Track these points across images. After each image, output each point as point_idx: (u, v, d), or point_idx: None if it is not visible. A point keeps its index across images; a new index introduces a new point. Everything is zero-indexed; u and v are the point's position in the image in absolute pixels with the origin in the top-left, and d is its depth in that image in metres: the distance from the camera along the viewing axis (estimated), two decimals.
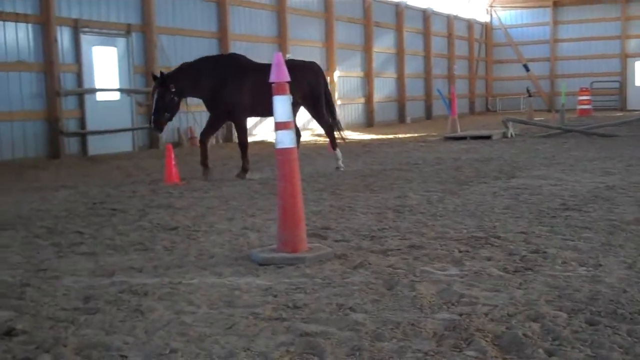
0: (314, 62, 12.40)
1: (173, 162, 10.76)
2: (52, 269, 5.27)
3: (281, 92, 5.33)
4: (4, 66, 14.42)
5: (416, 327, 3.59)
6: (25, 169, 13.44)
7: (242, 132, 11.33)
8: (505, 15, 41.68)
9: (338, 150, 11.89)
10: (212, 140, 19.59)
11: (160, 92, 10.44)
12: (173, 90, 10.47)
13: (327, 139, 12.17)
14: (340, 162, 11.73)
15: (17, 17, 14.64)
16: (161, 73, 10.72)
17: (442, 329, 3.58)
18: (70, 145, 15.85)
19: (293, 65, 11.47)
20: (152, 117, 10.64)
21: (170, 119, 10.75)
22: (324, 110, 11.80)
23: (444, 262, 5.04)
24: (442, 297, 4.12)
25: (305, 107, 11.80)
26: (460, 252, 5.32)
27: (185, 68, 10.95)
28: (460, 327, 3.57)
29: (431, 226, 6.44)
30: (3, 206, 8.74)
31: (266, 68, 11.21)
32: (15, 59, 14.66)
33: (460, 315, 3.78)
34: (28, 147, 14.73)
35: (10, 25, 14.56)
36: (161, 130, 10.81)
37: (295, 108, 11.01)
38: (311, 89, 11.57)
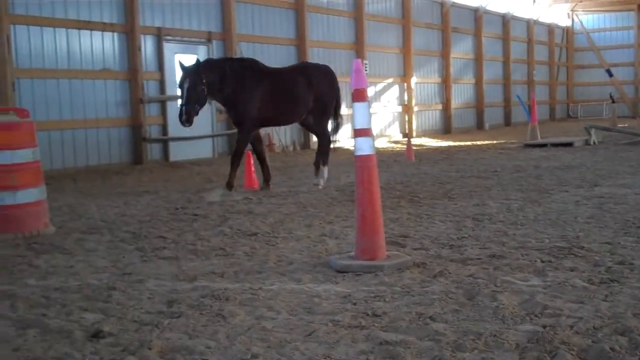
0: (328, 66, 11.72)
1: (252, 169, 10.89)
2: (136, 272, 5.41)
3: (360, 99, 5.33)
4: (91, 74, 14.88)
5: (498, 339, 3.54)
6: (110, 174, 13.83)
7: (243, 142, 10.36)
8: (588, 19, 40.72)
9: (326, 168, 10.91)
10: (287, 147, 19.79)
11: (193, 81, 9.57)
12: (204, 81, 9.67)
13: (322, 151, 10.97)
14: (322, 181, 10.68)
15: (103, 27, 15.09)
16: (197, 60, 9.86)
17: (525, 341, 3.51)
18: (153, 151, 16.23)
19: (305, 67, 11.29)
20: (183, 107, 9.59)
21: (197, 114, 9.77)
22: (328, 120, 11.15)
23: (526, 272, 4.95)
24: (524, 308, 4.05)
25: (310, 112, 10.90)
26: (542, 262, 5.22)
27: (213, 63, 10.29)
28: (544, 340, 3.50)
29: (512, 235, 6.33)
30: (89, 211, 9.01)
31: (279, 73, 10.70)
32: (101, 67, 15.11)
33: (544, 327, 3.70)
34: (113, 153, 15.15)
35: (97, 35, 15.02)
36: (191, 122, 9.64)
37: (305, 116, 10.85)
38: (322, 94, 10.87)
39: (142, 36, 15.78)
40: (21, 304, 4.60)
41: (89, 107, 14.66)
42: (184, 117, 9.56)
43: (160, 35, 16.32)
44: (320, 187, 10.49)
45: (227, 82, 9.96)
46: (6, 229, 7.10)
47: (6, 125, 7.32)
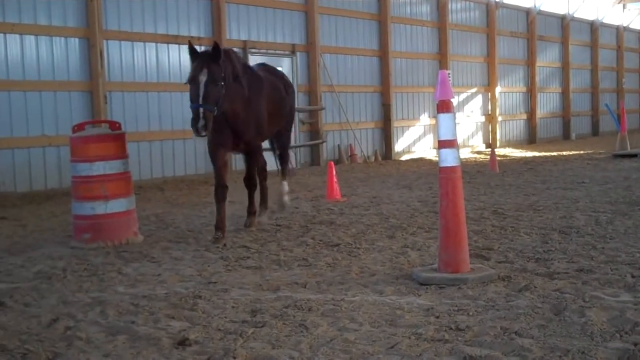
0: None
1: (334, 179, 10.94)
2: (221, 281, 5.52)
3: (445, 110, 5.30)
4: (179, 87, 15.23)
5: (587, 356, 3.46)
6: (196, 184, 14.13)
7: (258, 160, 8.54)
8: None
9: (286, 183, 9.25)
10: (368, 157, 19.78)
11: (213, 73, 7.06)
12: (224, 75, 7.21)
13: (282, 167, 9.39)
14: (285, 197, 9.07)
15: (191, 40, 15.43)
16: (215, 44, 7.30)
17: (614, 358, 3.42)
18: (237, 163, 16.47)
19: (278, 72, 9.25)
20: (199, 109, 6.94)
21: (212, 118, 7.04)
22: (291, 129, 9.58)
23: (616, 287, 4.82)
24: (614, 325, 3.94)
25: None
26: (633, 277, 5.06)
27: (232, 55, 7.68)
28: (634, 358, 3.40)
29: (600, 249, 6.17)
30: (176, 220, 9.23)
31: (268, 78, 8.37)
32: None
33: (635, 345, 3.59)
34: (199, 163, 15.46)
35: (186, 48, 15.35)
36: (209, 129, 7.00)
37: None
38: (293, 102, 9.18)
39: None
40: (111, 311, 4.75)
41: (176, 119, 15.02)
42: (200, 123, 6.90)
43: (245, 48, 16.59)
44: (287, 206, 9.14)
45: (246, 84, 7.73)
46: (97, 238, 7.35)
47: (99, 137, 7.59)
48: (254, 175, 8.44)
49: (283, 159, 9.40)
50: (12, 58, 12.40)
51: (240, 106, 7.59)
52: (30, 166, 12.62)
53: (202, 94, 6.96)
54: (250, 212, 8.45)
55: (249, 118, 7.70)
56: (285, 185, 9.15)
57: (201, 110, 6.89)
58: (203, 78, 6.99)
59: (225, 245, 7.13)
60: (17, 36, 12.45)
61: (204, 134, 6.95)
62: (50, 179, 12.83)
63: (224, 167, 7.80)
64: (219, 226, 7.50)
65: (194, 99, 6.96)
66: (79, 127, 7.79)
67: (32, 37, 12.65)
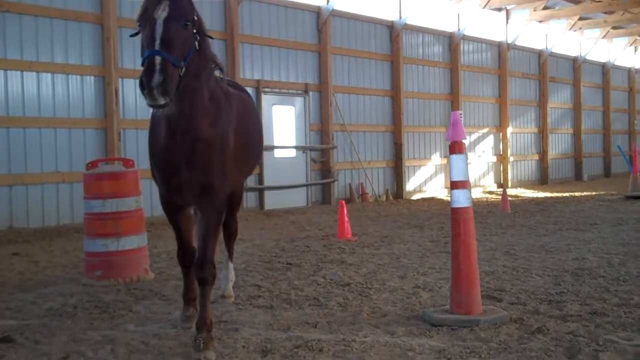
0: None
1: (346, 218, 10.95)
2: (232, 321, 5.50)
3: (458, 151, 5.32)
4: None
5: None
6: None
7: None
8: None
9: (232, 267, 6.73)
10: (379, 196, 19.78)
11: (181, 7, 4.58)
12: (196, 22, 4.76)
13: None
14: (230, 286, 6.53)
15: None
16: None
17: None
18: (249, 200, 16.53)
19: (241, 88, 6.30)
20: (155, 58, 4.31)
21: (179, 85, 4.48)
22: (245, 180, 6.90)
23: (630, 330, 4.77)
24: None
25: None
26: None
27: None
28: None
29: (614, 291, 6.12)
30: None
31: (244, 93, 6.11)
32: None
33: None
34: None
35: None
36: (170, 94, 4.32)
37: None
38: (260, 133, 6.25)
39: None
40: (121, 349, 4.74)
41: None
42: (157, 79, 4.25)
43: (259, 87, 16.73)
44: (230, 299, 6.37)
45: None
46: (109, 275, 7.36)
47: (113, 175, 7.65)
48: (208, 258, 4.97)
49: (231, 229, 6.58)
50: (28, 95, 12.55)
51: (207, 113, 4.90)
52: (44, 202, 12.69)
53: (162, 35, 4.39)
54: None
55: (215, 140, 4.91)
56: (232, 271, 6.60)
57: (158, 58, 4.27)
58: (163, 14, 4.46)
59: (235, 283, 7.13)
60: (34, 74, 12.61)
61: (162, 100, 4.25)
62: (63, 215, 12.88)
63: (188, 226, 5.50)
64: (188, 299, 5.51)
65: (148, 43, 4.38)
66: (92, 164, 7.85)
67: (49, 75, 12.81)
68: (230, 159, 5.09)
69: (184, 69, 4.46)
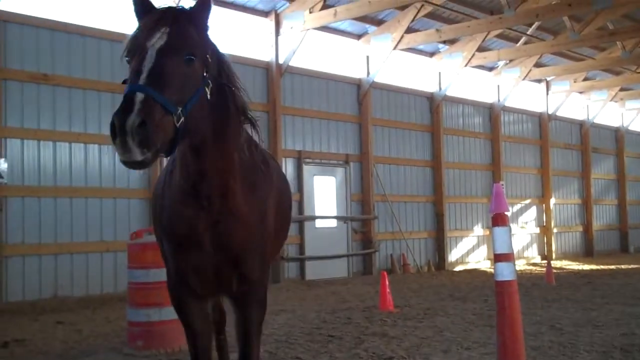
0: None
1: (387, 289, 10.85)
2: None
3: (501, 223, 5.29)
4: None
5: None
6: None
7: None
8: None
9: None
10: (421, 267, 19.59)
11: (184, 37, 3.52)
12: (207, 59, 3.66)
13: None
14: None
15: None
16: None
17: None
18: (290, 270, 16.52)
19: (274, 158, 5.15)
20: (135, 91, 3.24)
21: (176, 141, 3.39)
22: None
23: None
24: None
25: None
26: None
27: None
28: None
29: None
30: (227, 328, 9.20)
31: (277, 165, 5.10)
32: None
33: None
34: None
35: None
36: (150, 144, 3.14)
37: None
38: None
39: (283, 159, 16.40)
40: None
41: None
42: (132, 121, 3.10)
43: (300, 158, 16.91)
44: None
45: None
46: (150, 345, 7.37)
47: (154, 244, 7.73)
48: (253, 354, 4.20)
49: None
50: (76, 165, 12.86)
51: (241, 181, 3.97)
52: (88, 271, 12.86)
53: (152, 68, 3.34)
54: None
55: (253, 216, 4.00)
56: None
57: (140, 96, 3.20)
58: (159, 42, 3.42)
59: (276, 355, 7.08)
60: (82, 145, 12.95)
61: (140, 155, 3.12)
62: (106, 284, 13.02)
63: (206, 328, 4.34)
64: None
65: (131, 77, 3.35)
66: (137, 234, 7.96)
67: (96, 146, 13.13)
68: (270, 242, 4.20)
69: (182, 120, 3.31)
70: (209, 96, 3.63)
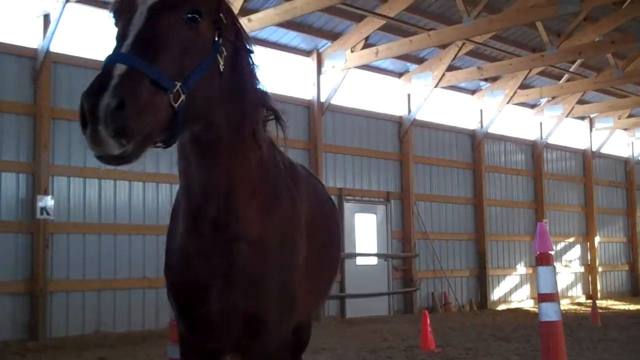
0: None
1: (429, 329, 10.73)
2: None
3: (545, 263, 5.24)
4: None
5: None
6: None
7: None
8: None
9: None
10: (463, 306, 19.36)
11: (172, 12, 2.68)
12: (218, 29, 2.85)
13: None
14: None
15: None
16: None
17: None
18: (330, 308, 16.46)
19: (314, 176, 4.71)
20: (115, 62, 2.45)
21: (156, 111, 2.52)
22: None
23: None
24: None
25: None
26: None
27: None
28: None
29: None
30: None
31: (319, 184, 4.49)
32: None
33: None
34: None
35: None
36: (129, 134, 2.36)
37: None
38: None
39: None
40: None
41: None
42: (104, 105, 2.30)
43: (341, 195, 16.95)
44: None
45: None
46: None
47: None
48: None
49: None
50: (120, 203, 13.07)
51: (258, 194, 3.17)
52: (130, 307, 12.98)
53: (140, 31, 2.60)
54: None
55: (272, 242, 3.18)
56: None
57: (120, 68, 2.44)
58: (149, 2, 2.67)
59: None
60: (126, 182, 13.17)
61: (117, 147, 2.38)
62: (148, 320, 13.11)
63: None
64: None
65: (116, 45, 2.61)
66: None
67: (140, 184, 13.35)
68: (298, 274, 3.24)
69: (183, 98, 2.53)
70: (221, 67, 2.82)
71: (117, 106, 2.30)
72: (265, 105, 3.27)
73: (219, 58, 2.83)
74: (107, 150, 2.36)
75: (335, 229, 4.14)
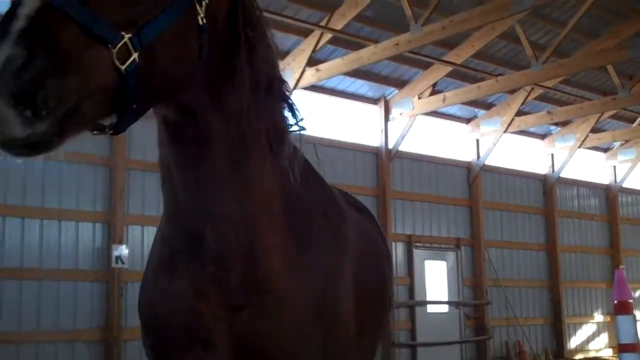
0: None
1: None
2: None
3: (625, 312, 5.10)
4: None
5: None
6: None
7: None
8: None
9: None
10: (538, 356, 18.83)
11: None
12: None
13: None
14: None
15: None
16: None
17: None
18: (401, 357, 16.23)
19: (359, 206, 3.66)
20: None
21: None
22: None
23: None
24: None
25: None
26: None
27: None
28: None
29: None
30: None
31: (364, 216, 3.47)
32: None
33: None
34: None
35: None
36: (46, 130, 1.56)
37: None
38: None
39: (393, 243, 16.36)
40: None
41: None
42: (3, 59, 1.50)
43: (410, 242, 16.83)
44: None
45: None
46: None
47: None
48: None
49: None
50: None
51: (285, 228, 2.34)
52: None
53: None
54: None
55: (307, 297, 2.30)
56: None
57: (31, 5, 1.59)
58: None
59: None
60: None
61: (21, 129, 1.53)
62: None
63: None
64: None
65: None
66: None
67: None
68: (346, 342, 2.43)
69: (136, 58, 1.74)
70: (201, 21, 1.95)
71: (24, 62, 1.52)
72: (284, 99, 2.34)
73: (198, 6, 1.94)
74: (6, 131, 1.53)
75: (379, 276, 3.13)
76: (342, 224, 2.59)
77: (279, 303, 2.20)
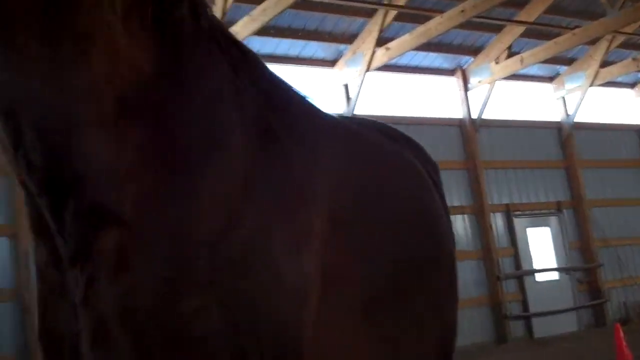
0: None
1: (623, 343, 9.80)
2: None
3: None
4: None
5: None
6: (472, 354, 13.56)
7: None
8: None
9: None
10: None
11: None
12: None
13: None
14: None
15: (453, 210, 15.53)
16: None
17: None
18: (515, 329, 15.74)
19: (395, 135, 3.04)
20: None
21: None
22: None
23: None
24: None
25: None
26: None
27: None
28: None
29: None
30: None
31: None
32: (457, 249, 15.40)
33: None
34: (474, 332, 14.95)
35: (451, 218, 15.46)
36: None
37: None
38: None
39: (491, 214, 15.91)
40: None
41: None
42: None
43: (509, 212, 16.32)
44: None
45: None
46: None
47: None
48: None
49: None
50: None
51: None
52: None
53: None
54: None
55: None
56: None
57: None
58: None
59: None
60: None
61: None
62: None
63: None
64: None
65: None
66: None
67: None
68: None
69: None
70: None
71: None
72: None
73: None
74: None
75: (442, 230, 2.55)
76: (311, 137, 1.89)
77: (137, 236, 1.60)
